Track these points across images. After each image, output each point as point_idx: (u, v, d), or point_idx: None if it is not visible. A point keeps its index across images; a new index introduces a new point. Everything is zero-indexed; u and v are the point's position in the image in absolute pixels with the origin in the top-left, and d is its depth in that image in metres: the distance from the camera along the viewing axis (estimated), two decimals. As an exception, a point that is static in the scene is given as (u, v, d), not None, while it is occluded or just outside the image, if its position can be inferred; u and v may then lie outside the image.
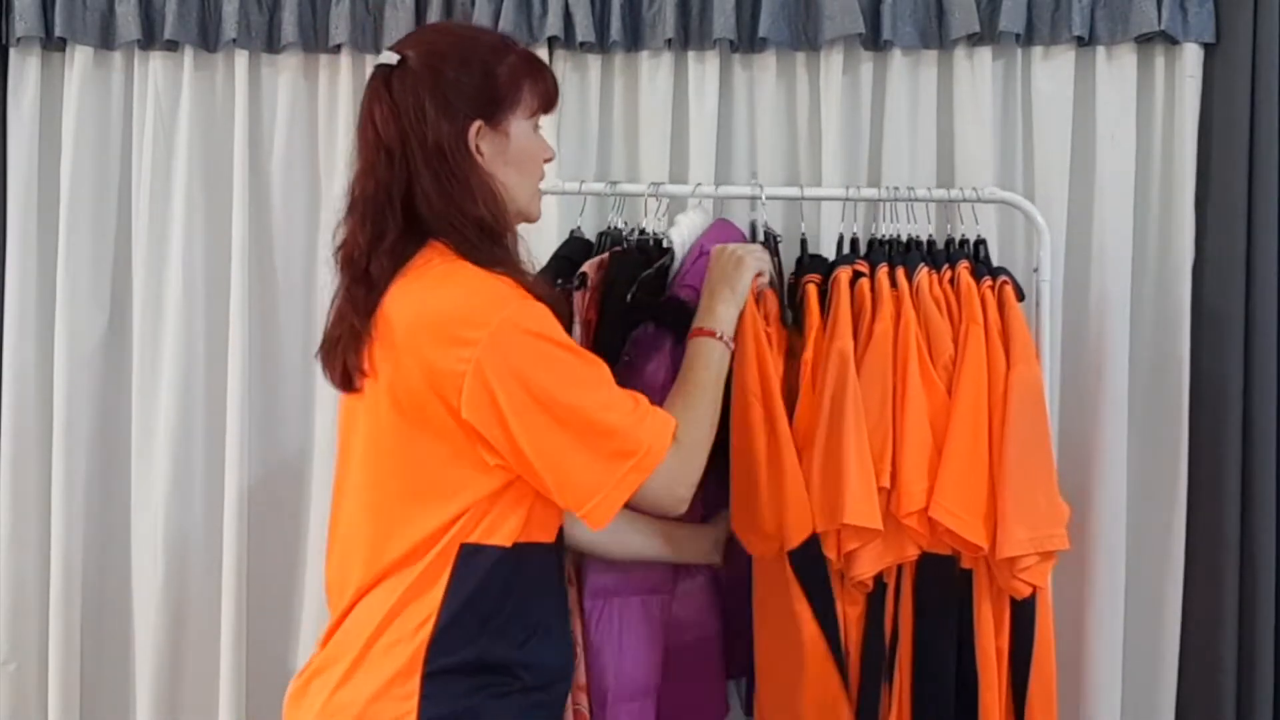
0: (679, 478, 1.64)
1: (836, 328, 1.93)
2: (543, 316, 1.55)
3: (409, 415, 1.55)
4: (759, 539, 1.92)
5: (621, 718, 1.93)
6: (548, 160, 1.72)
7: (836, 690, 1.94)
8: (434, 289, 1.56)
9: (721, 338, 1.80)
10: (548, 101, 1.69)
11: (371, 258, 1.58)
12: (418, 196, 1.57)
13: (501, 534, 1.57)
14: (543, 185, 1.75)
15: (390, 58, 1.61)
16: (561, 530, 1.70)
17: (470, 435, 1.53)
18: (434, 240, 1.59)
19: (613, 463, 1.55)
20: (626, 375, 1.85)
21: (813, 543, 1.90)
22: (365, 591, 1.59)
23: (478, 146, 1.60)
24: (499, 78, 1.62)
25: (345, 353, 1.61)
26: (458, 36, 1.69)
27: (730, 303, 1.85)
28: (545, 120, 1.73)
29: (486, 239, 1.58)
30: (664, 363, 1.93)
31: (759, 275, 1.91)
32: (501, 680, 1.57)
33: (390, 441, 1.58)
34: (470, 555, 1.55)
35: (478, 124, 1.60)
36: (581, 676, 1.91)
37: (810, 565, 1.91)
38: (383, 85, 1.60)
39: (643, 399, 1.61)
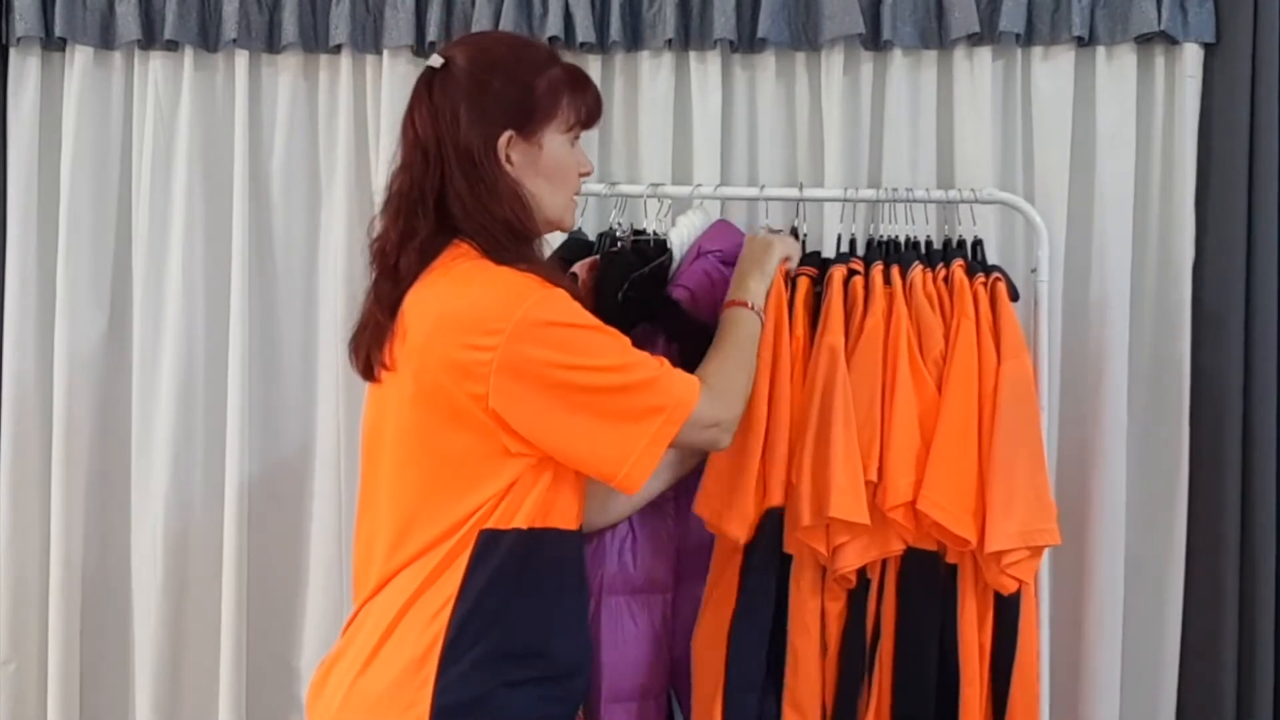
0: (716, 415, 1.69)
1: (828, 323, 1.94)
2: (561, 303, 1.58)
3: (432, 408, 1.58)
4: (735, 515, 1.89)
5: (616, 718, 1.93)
6: (585, 174, 1.74)
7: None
8: (456, 288, 1.59)
9: (753, 308, 1.87)
10: (588, 117, 1.72)
11: (401, 253, 1.62)
12: (450, 196, 1.61)
13: (518, 518, 1.59)
14: None
15: (436, 61, 1.65)
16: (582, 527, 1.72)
17: (497, 423, 1.56)
18: (460, 240, 1.62)
19: (642, 422, 1.60)
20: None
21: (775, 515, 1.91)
22: (387, 580, 1.62)
23: (508, 155, 1.63)
24: (536, 90, 1.65)
25: (369, 345, 1.65)
26: (505, 47, 1.71)
27: (759, 280, 1.91)
28: None
29: (514, 240, 1.62)
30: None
31: (786, 260, 1.97)
32: (517, 669, 1.59)
33: (413, 435, 1.61)
34: (488, 541, 1.58)
35: (509, 133, 1.63)
36: None
37: (768, 539, 1.91)
38: (425, 88, 1.64)
39: (667, 362, 1.66)
